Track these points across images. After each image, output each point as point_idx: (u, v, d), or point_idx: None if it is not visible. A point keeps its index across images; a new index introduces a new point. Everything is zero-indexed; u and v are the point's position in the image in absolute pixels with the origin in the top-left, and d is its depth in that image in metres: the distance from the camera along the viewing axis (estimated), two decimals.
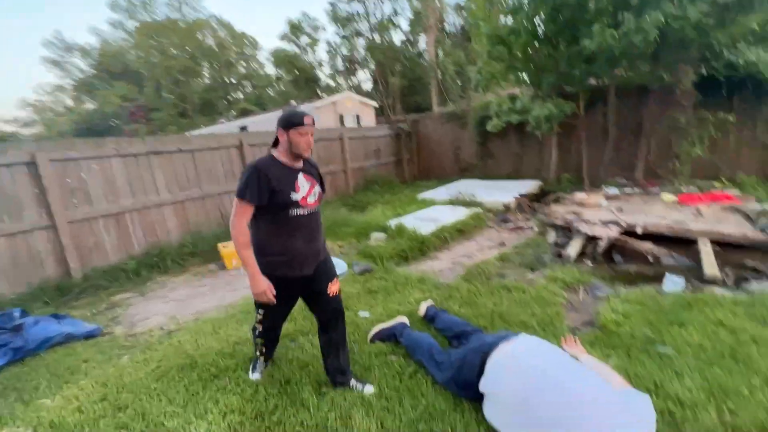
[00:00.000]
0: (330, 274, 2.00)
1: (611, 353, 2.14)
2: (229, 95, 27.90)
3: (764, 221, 4.15)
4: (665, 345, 2.16)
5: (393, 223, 4.94)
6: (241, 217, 1.75)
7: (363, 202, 7.01)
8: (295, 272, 1.87)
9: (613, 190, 6.06)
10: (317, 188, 1.94)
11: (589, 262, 3.80)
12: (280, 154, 1.85)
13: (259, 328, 2.07)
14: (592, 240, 4.15)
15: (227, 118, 21.27)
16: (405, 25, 22.48)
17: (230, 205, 5.66)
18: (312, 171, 1.96)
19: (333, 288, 1.99)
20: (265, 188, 1.73)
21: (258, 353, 2.19)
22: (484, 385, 1.73)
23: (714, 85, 5.75)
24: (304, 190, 1.85)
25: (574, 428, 1.40)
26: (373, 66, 22.57)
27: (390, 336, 2.46)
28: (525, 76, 6.80)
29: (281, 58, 24.91)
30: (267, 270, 1.81)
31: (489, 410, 1.70)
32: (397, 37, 26.70)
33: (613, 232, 4.12)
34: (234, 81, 28.35)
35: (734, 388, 1.78)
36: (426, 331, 2.50)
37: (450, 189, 7.32)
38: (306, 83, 24.99)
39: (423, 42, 21.79)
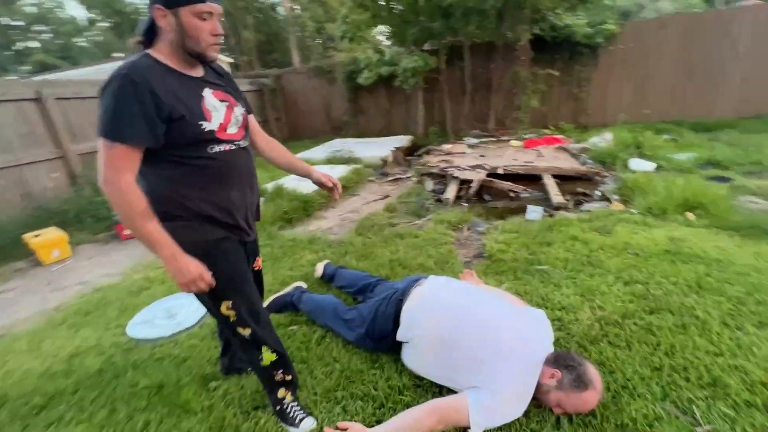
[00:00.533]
0: (257, 243, 1.47)
1: (503, 278, 2.29)
2: (14, 44, 20.81)
3: (584, 157, 5.10)
4: (541, 264, 2.42)
5: (270, 186, 4.42)
6: (122, 171, 1.02)
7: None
8: (241, 234, 1.27)
9: (472, 141, 6.68)
10: (238, 110, 1.23)
11: (465, 204, 4.08)
12: (162, 55, 1.10)
13: (246, 333, 1.30)
14: (464, 183, 4.48)
15: (20, 75, 15.88)
16: None
17: (35, 181, 4.21)
18: (222, 82, 1.23)
19: (259, 261, 1.51)
20: (154, 113, 1.02)
21: (278, 389, 1.42)
22: (402, 334, 1.61)
23: (543, 44, 6.69)
24: (219, 115, 1.15)
25: (497, 350, 1.40)
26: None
27: (286, 305, 2.15)
28: (389, 28, 6.74)
29: None
30: (191, 237, 1.14)
31: (409, 357, 1.60)
32: None
33: (481, 174, 4.51)
34: (23, 24, 21.15)
35: (597, 288, 2.08)
36: (327, 293, 2.27)
37: (326, 148, 6.99)
38: (131, 30, 20.40)
39: None
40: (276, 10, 20.07)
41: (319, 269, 2.46)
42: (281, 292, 2.21)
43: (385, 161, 6.11)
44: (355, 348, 1.78)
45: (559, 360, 1.41)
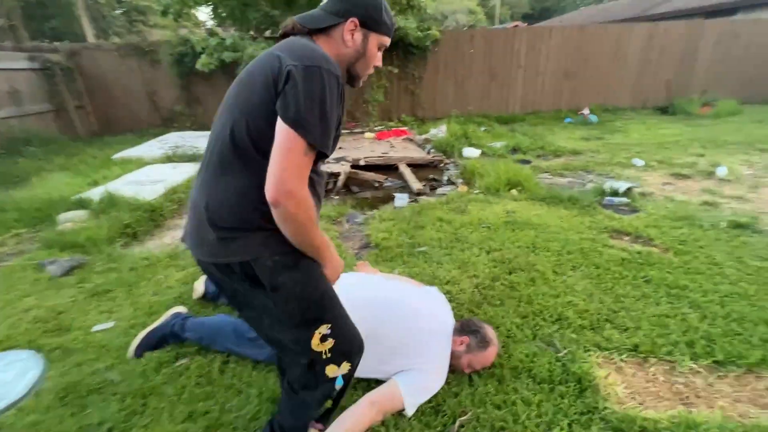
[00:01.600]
0: None
1: (393, 264, 2.46)
2: None
3: (429, 146, 5.82)
4: (421, 246, 2.70)
5: (95, 193, 3.49)
6: (303, 177, 0.88)
7: (16, 173, 4.56)
8: None
9: None
10: None
11: (335, 197, 4.15)
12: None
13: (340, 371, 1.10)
14: (331, 177, 4.53)
15: None
16: None
17: None
18: None
19: None
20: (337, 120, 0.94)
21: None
22: None
23: None
24: None
25: (418, 332, 1.53)
26: None
27: (165, 338, 1.80)
28: (225, 9, 6.10)
29: None
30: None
31: None
32: None
33: (346, 167, 4.64)
34: None
35: (469, 260, 2.47)
36: (215, 312, 2.00)
37: (160, 144, 5.93)
38: None
39: None
40: None
41: (199, 288, 2.13)
42: (155, 324, 1.84)
43: None
44: (268, 366, 1.64)
45: (464, 327, 1.64)
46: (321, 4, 1.03)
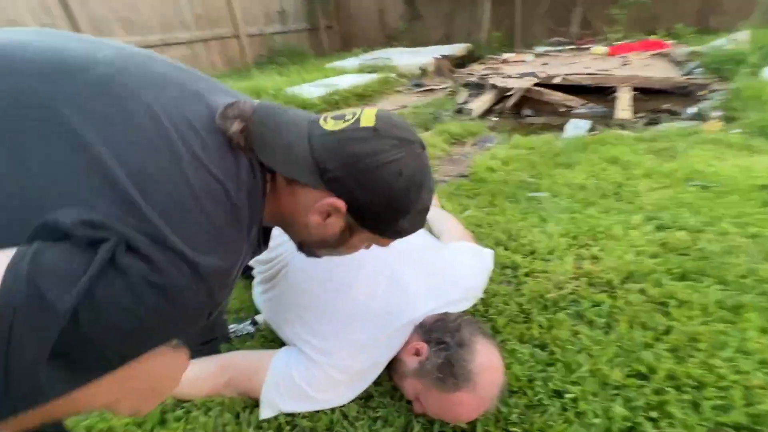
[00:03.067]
0: None
1: (470, 204, 1.60)
2: None
3: (691, 65, 3.64)
4: (541, 191, 1.65)
5: (286, 92, 3.94)
6: None
7: (259, 74, 5.76)
8: None
9: (543, 49, 5.30)
10: None
11: (495, 118, 3.19)
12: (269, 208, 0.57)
13: None
14: (505, 96, 3.50)
15: None
16: None
17: None
18: None
19: None
20: None
21: None
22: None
23: None
24: None
25: (339, 289, 0.86)
26: None
27: None
28: None
29: None
30: None
31: (254, 288, 1.11)
32: None
33: (527, 83, 3.46)
34: None
35: (605, 229, 1.31)
36: None
37: (365, 58, 6.18)
38: None
39: None
40: None
41: None
42: None
43: (424, 70, 5.17)
44: None
45: (434, 329, 0.81)
46: (323, 131, 0.53)
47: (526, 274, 1.16)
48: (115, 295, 0.36)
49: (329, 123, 0.54)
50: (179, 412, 0.85)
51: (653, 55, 4.14)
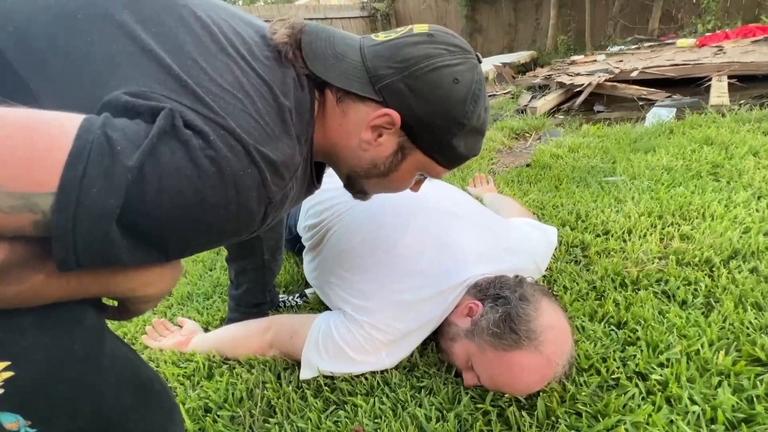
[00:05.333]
0: None
1: (532, 189, 1.47)
2: None
3: None
4: (616, 175, 1.47)
5: None
6: None
7: None
8: None
9: (617, 48, 4.92)
10: None
11: (561, 116, 2.98)
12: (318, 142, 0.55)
13: None
14: (574, 94, 3.27)
15: None
16: None
17: None
18: None
19: None
20: None
21: None
22: (300, 224, 1.12)
23: None
24: None
25: (388, 247, 0.82)
26: None
27: None
28: None
29: None
30: None
31: (304, 261, 1.11)
32: None
33: (599, 78, 3.20)
34: None
35: (700, 206, 1.11)
36: None
37: None
38: None
39: None
40: None
41: None
42: None
43: (485, 77, 5.06)
44: None
45: (491, 287, 0.73)
46: (374, 41, 0.51)
47: (598, 253, 1.01)
48: (176, 160, 0.35)
49: (381, 36, 0.51)
50: (224, 368, 0.85)
51: (755, 41, 3.61)
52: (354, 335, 0.75)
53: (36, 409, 0.36)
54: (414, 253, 0.80)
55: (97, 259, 0.34)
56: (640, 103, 2.90)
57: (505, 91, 4.35)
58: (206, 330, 1.01)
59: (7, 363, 0.33)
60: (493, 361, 0.65)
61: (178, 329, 1.01)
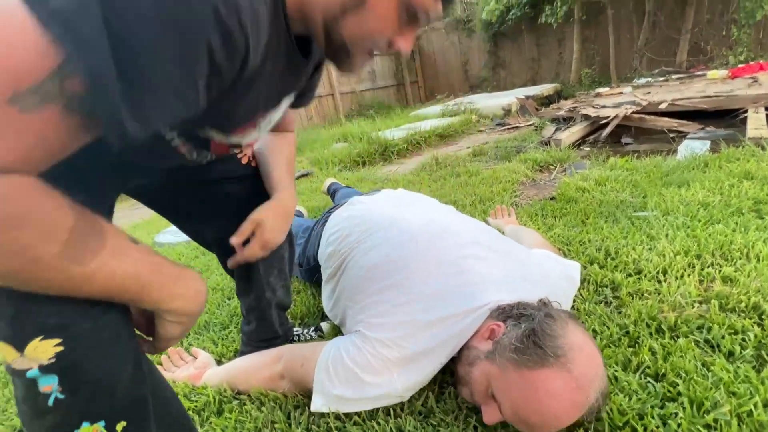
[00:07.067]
0: None
1: (557, 223, 1.42)
2: None
3: None
4: (647, 210, 1.40)
5: (371, 135, 4.23)
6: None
7: (348, 123, 6.30)
8: None
9: (644, 80, 4.86)
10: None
11: (587, 148, 2.93)
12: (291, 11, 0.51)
13: None
14: (600, 126, 3.22)
15: None
16: None
17: None
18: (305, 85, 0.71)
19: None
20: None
21: None
22: (320, 254, 1.12)
23: None
24: (251, 135, 0.64)
25: (409, 269, 0.81)
26: None
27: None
28: None
29: None
30: None
31: (323, 292, 1.10)
32: None
33: (626, 110, 3.15)
34: None
35: (743, 245, 1.03)
36: None
37: (449, 103, 6.36)
38: None
39: None
40: None
41: (326, 184, 2.21)
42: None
43: (507, 110, 5.09)
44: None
45: (513, 308, 0.69)
46: None
47: (630, 294, 0.95)
48: None
49: None
50: (234, 404, 0.83)
51: None
52: (364, 354, 0.71)
53: (72, 381, 0.42)
54: (431, 276, 0.78)
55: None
56: (671, 136, 2.81)
57: (528, 123, 4.35)
58: (219, 362, 0.99)
59: (60, 340, 0.41)
60: (515, 383, 0.59)
61: (193, 360, 1.00)
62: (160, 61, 0.36)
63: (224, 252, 0.81)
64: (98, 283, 0.41)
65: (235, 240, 0.73)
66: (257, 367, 0.86)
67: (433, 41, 8.70)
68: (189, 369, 0.97)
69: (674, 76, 4.84)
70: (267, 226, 0.74)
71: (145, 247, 0.47)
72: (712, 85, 3.71)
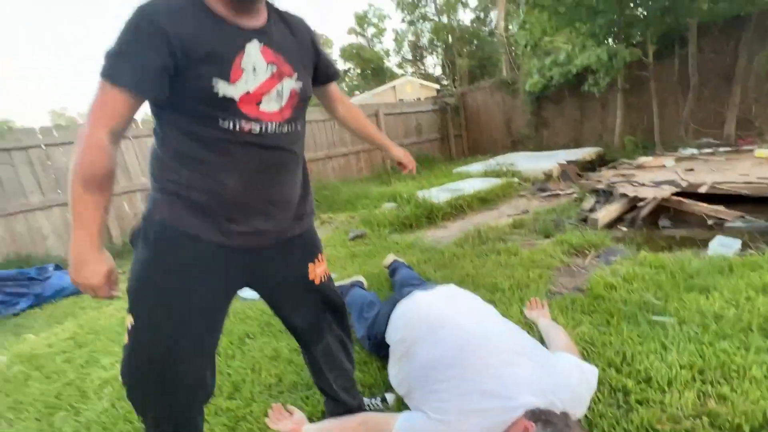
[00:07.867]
0: (310, 248, 1.10)
1: (584, 320, 1.67)
2: None
3: None
4: (666, 314, 1.62)
5: (418, 196, 4.64)
6: (100, 119, 0.74)
7: (396, 181, 6.78)
8: (220, 233, 0.87)
9: (688, 151, 4.94)
10: (290, 83, 0.88)
11: (624, 228, 3.11)
12: None
13: (127, 380, 0.90)
14: (636, 205, 3.39)
15: None
16: (474, 1, 21.06)
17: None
18: (287, 40, 0.90)
19: (317, 270, 1.11)
20: (160, 57, 0.74)
21: None
22: (388, 336, 1.46)
23: None
24: (257, 78, 0.82)
25: (461, 370, 1.11)
26: (440, 49, 21.79)
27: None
28: (576, 24, 5.86)
29: (349, 53, 25.17)
30: (161, 215, 0.85)
31: (390, 367, 1.42)
32: (467, 17, 25.30)
33: (663, 192, 3.31)
34: None
35: (742, 366, 1.23)
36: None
37: (489, 163, 6.70)
38: (374, 74, 24.95)
39: (494, 16, 20.24)
40: (494, 34, 20.40)
41: (389, 260, 2.53)
42: (339, 283, 2.35)
43: (549, 175, 5.33)
44: (361, 348, 1.71)
45: (543, 412, 0.96)
46: None
47: (638, 401, 1.18)
48: None
49: None
50: None
51: None
52: (428, 429, 1.01)
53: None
54: (479, 375, 1.06)
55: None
56: (709, 222, 2.94)
57: (568, 191, 4.56)
58: (310, 420, 1.32)
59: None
60: None
61: (290, 416, 1.34)
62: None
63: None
64: (76, 209, 0.75)
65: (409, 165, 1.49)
66: (345, 429, 1.18)
67: (478, 98, 9.23)
68: (288, 424, 1.30)
69: (721, 149, 4.88)
70: (407, 157, 1.48)
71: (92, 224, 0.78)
72: (757, 167, 3.77)
